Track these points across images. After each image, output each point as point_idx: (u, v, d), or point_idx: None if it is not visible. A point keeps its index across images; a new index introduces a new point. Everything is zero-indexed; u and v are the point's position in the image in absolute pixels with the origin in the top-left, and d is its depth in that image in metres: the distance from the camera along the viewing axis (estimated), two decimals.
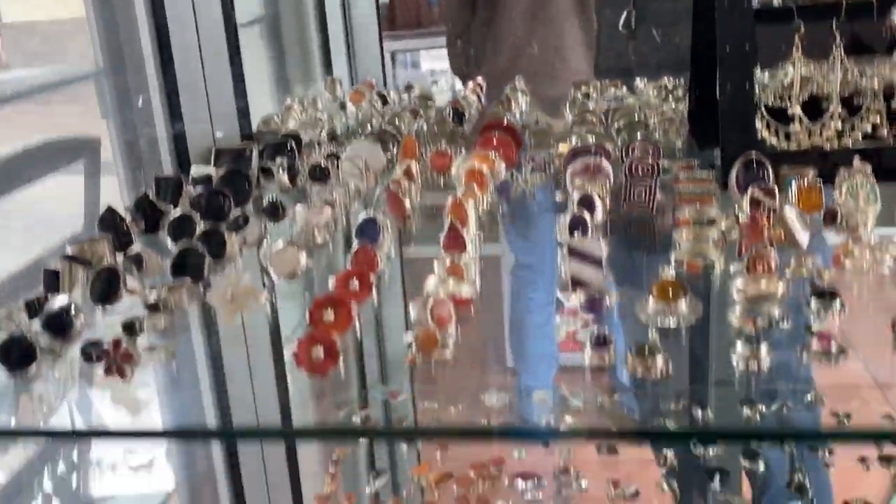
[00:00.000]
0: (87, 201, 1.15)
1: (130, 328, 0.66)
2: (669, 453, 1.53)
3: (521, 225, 1.75)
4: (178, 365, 0.68)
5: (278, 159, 1.04)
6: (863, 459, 1.50)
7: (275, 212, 0.92)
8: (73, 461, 1.16)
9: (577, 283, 0.70)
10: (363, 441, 1.66)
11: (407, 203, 0.91)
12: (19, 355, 0.64)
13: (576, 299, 0.69)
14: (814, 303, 0.65)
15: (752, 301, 0.66)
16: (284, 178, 1.02)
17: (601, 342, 0.62)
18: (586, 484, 1.50)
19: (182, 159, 1.17)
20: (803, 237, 0.76)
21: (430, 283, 0.70)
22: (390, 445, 1.68)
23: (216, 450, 1.22)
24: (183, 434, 0.71)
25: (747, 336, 0.61)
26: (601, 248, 0.71)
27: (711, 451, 1.53)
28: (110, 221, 0.87)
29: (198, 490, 1.28)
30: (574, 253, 0.71)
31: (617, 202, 0.91)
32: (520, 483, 1.50)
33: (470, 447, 1.66)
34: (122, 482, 1.29)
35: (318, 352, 0.62)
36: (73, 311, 0.68)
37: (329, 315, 0.66)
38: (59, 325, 0.67)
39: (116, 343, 0.63)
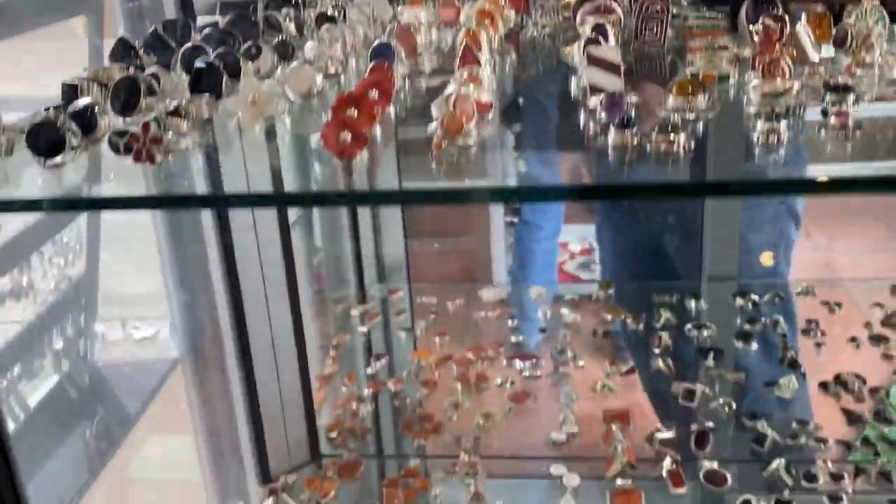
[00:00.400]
0: (91, 63, 1.14)
1: (157, 123, 0.67)
2: (664, 335, 1.56)
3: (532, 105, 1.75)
4: (196, 156, 0.68)
5: (284, 10, 1.03)
6: (853, 339, 1.54)
7: (285, 50, 0.92)
8: (80, 326, 1.17)
9: (595, 90, 0.71)
10: (362, 330, 1.68)
11: (418, 38, 0.91)
12: (48, 141, 0.64)
13: (595, 101, 0.70)
14: (828, 95, 0.66)
15: (768, 96, 0.67)
16: (291, 26, 1.02)
17: (624, 124, 0.63)
18: (583, 363, 1.53)
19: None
20: (814, 53, 0.77)
21: (451, 86, 0.71)
22: (386, 331, 1.70)
23: (223, 316, 1.23)
24: (178, 202, 0.71)
25: (766, 115, 0.62)
26: (619, 55, 0.72)
27: (706, 332, 1.56)
28: (123, 52, 0.87)
29: (203, 358, 1.30)
30: (592, 60, 0.72)
31: (627, 46, 0.92)
32: (518, 363, 1.53)
33: (467, 335, 1.69)
34: (127, 354, 1.31)
35: (346, 135, 0.62)
36: (97, 111, 0.68)
37: (353, 112, 0.66)
38: (85, 122, 0.67)
39: (146, 126, 0.63)
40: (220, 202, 0.82)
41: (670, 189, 0.60)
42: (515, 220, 3.66)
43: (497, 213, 3.75)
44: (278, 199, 0.76)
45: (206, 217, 1.17)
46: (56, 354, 1.12)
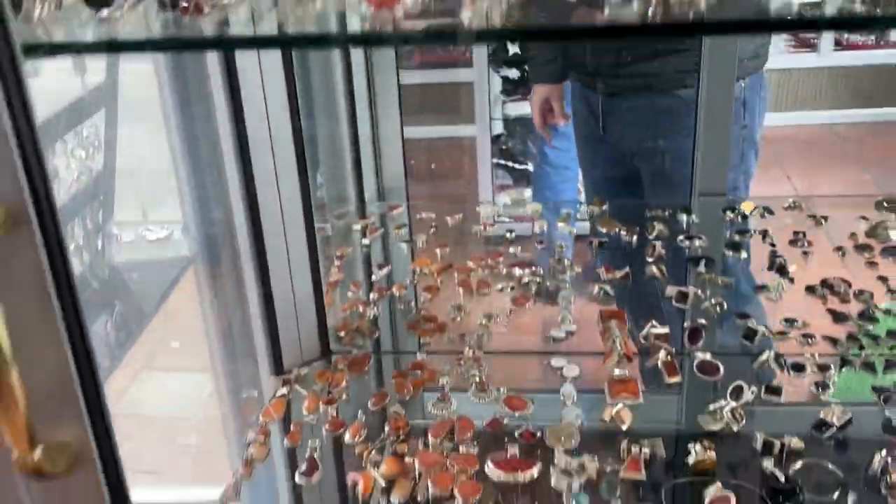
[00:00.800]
0: None
1: None
2: (658, 244, 1.61)
3: None
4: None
5: None
6: (839, 248, 1.61)
7: None
8: (98, 222, 1.21)
9: None
10: (364, 242, 1.73)
11: None
12: None
13: None
14: None
15: None
16: None
17: None
18: (580, 269, 1.58)
19: None
20: None
21: None
22: (387, 245, 1.74)
23: (237, 213, 1.27)
24: (187, 44, 0.75)
25: None
26: None
27: (697, 242, 1.62)
28: None
29: (217, 257, 1.34)
30: None
31: None
32: (517, 270, 1.58)
33: (467, 249, 1.74)
34: (142, 254, 1.35)
35: None
36: None
37: None
38: None
39: None
40: (226, 45, 0.85)
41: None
42: (529, 167, 3.73)
43: (485, 155, 3.79)
44: (281, 42, 0.79)
45: (221, 110, 1.20)
46: (77, 248, 1.15)
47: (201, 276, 1.33)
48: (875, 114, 4.35)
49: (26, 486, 0.65)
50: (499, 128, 3.97)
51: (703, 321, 1.39)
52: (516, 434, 1.18)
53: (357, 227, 1.77)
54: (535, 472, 1.11)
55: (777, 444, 1.12)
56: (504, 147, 4.00)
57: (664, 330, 1.36)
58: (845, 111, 4.40)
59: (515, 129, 3.94)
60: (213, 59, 1.18)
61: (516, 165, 3.92)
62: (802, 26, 0.63)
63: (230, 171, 1.25)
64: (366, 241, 1.72)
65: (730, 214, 1.73)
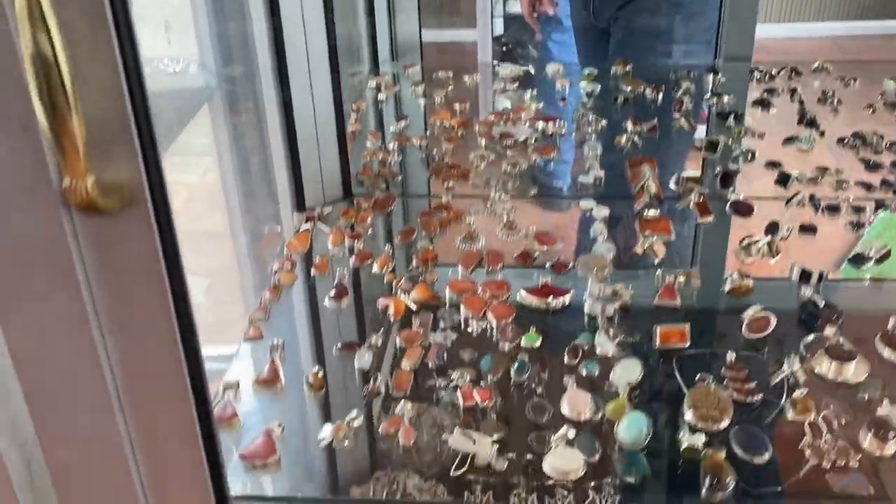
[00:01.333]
0: None
1: None
2: (686, 100, 1.57)
3: None
4: None
5: None
6: (870, 106, 1.57)
7: None
8: None
9: None
10: (380, 97, 1.68)
11: None
12: None
13: None
14: None
15: None
16: None
17: None
18: (605, 122, 1.54)
19: None
20: None
21: None
22: (402, 103, 1.70)
23: (262, 52, 1.22)
24: None
25: None
26: None
27: (725, 98, 1.58)
28: None
29: (236, 93, 1.29)
30: None
31: None
32: (540, 123, 1.54)
33: (486, 108, 1.69)
34: (159, 85, 1.29)
35: None
36: None
37: None
38: None
39: None
40: None
41: None
42: (531, 69, 3.65)
43: (486, 58, 3.71)
44: None
45: None
46: None
47: (218, 111, 1.28)
48: (880, 27, 4.25)
49: (73, 232, 0.62)
50: (500, 28, 3.87)
51: (734, 167, 1.36)
52: (547, 266, 1.16)
53: (372, 84, 1.72)
54: (567, 298, 1.09)
55: (815, 272, 1.10)
56: (505, 48, 3.91)
57: (696, 173, 1.33)
58: (849, 23, 4.31)
59: (517, 27, 3.85)
60: None
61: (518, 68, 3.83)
62: None
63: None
64: (381, 97, 1.68)
65: (757, 74, 1.69)
